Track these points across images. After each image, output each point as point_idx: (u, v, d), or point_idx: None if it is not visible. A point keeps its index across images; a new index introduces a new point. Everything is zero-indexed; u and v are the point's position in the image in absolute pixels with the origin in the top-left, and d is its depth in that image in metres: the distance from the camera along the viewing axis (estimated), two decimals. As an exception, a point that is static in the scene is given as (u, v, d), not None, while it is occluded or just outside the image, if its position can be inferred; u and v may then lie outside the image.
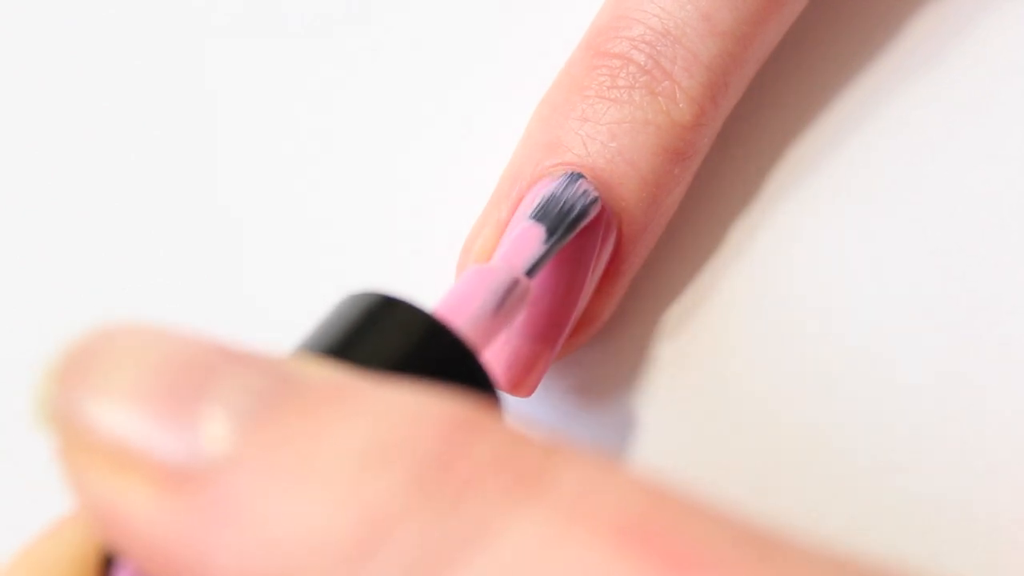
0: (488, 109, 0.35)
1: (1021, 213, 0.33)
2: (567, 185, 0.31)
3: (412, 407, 0.19)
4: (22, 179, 0.35)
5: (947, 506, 0.32)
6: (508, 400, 0.33)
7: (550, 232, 0.30)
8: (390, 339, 0.24)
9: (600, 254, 0.31)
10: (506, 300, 0.28)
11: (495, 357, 0.31)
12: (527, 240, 0.30)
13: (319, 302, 0.34)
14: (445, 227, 0.34)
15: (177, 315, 0.34)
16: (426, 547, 0.18)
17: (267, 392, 0.20)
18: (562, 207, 0.30)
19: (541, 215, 0.30)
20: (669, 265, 0.34)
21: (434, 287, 0.34)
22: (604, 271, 0.32)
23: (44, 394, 0.21)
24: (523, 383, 0.31)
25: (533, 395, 0.32)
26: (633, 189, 0.31)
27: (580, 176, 0.31)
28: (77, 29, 0.37)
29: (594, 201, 0.31)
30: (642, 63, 0.32)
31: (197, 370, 0.20)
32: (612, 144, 0.31)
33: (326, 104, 0.36)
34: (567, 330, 0.31)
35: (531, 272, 0.29)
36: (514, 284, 0.28)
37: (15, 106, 0.36)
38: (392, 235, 0.34)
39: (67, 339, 0.21)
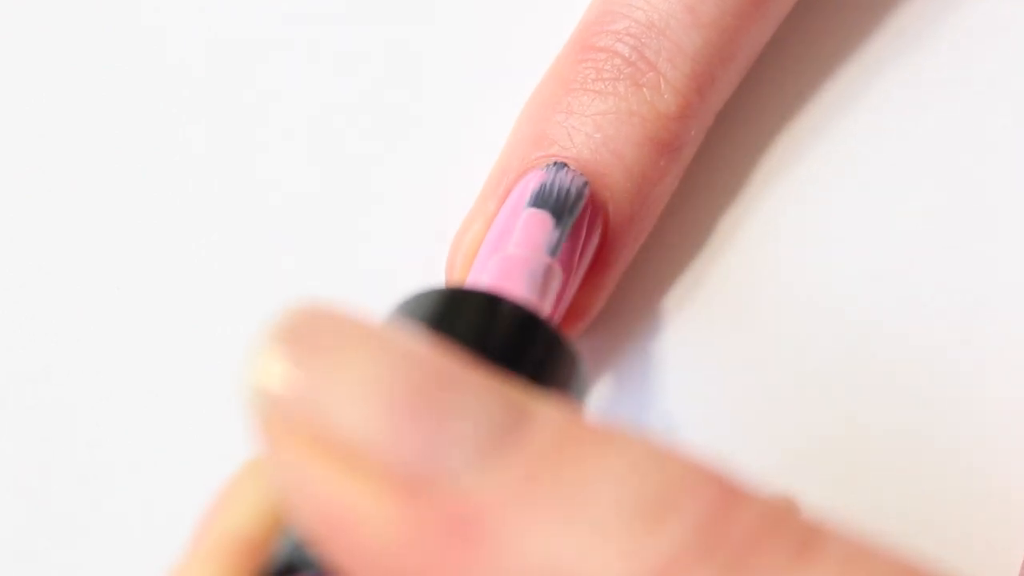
0: (479, 106, 0.36)
1: (1011, 202, 0.33)
2: (556, 173, 0.31)
3: (680, 464, 0.20)
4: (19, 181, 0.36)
5: (940, 491, 0.31)
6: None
7: (557, 217, 0.30)
8: (503, 336, 0.24)
9: (586, 245, 0.31)
10: (547, 284, 0.28)
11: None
12: (538, 226, 0.30)
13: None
14: (435, 222, 0.34)
15: (175, 316, 0.34)
16: None
17: (507, 419, 0.20)
18: (559, 193, 0.31)
19: (541, 203, 0.31)
20: (659, 259, 0.34)
21: (423, 281, 0.34)
22: (592, 263, 0.32)
23: (265, 374, 0.19)
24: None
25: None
26: (618, 179, 0.32)
27: (564, 164, 0.31)
28: (72, 32, 0.37)
29: (585, 184, 0.31)
30: (626, 55, 0.32)
31: (440, 380, 0.19)
32: (597, 135, 0.32)
33: (319, 103, 0.36)
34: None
35: (553, 255, 0.30)
36: (548, 268, 0.29)
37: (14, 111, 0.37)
38: (382, 230, 0.35)
39: (279, 313, 0.19)
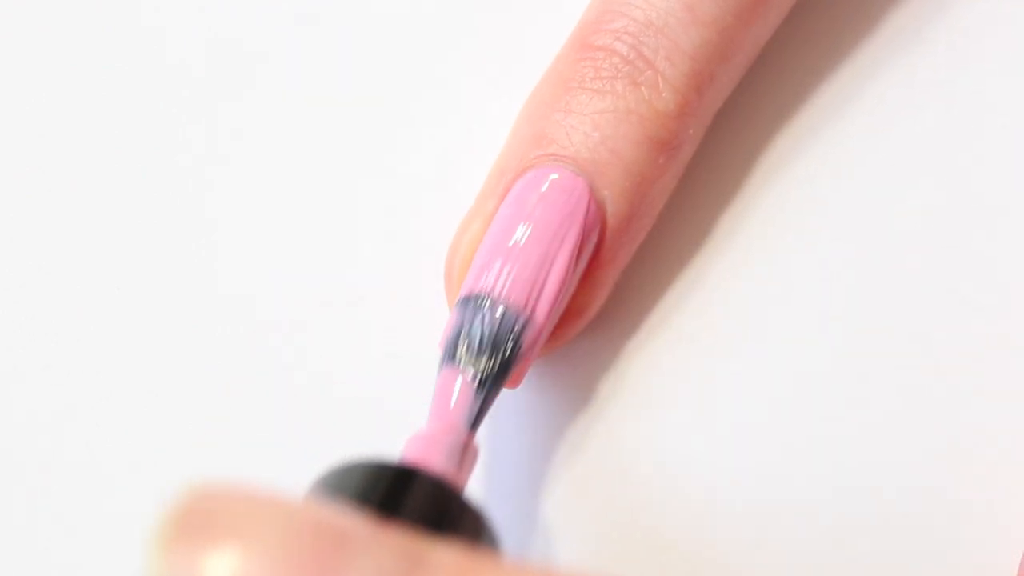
0: (479, 105, 0.36)
1: (1010, 202, 0.33)
2: (475, 312, 0.30)
3: None
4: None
5: (940, 491, 0.31)
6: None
7: (482, 380, 0.29)
8: (415, 507, 0.25)
9: (584, 244, 0.31)
10: (464, 458, 0.28)
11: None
12: (455, 396, 0.29)
13: (308, 300, 0.34)
14: (434, 222, 0.34)
15: (174, 316, 0.34)
16: None
17: (403, 565, 0.20)
18: (481, 345, 0.30)
19: (460, 358, 0.29)
20: (658, 258, 0.34)
21: (422, 285, 0.34)
22: (590, 261, 0.32)
23: (160, 564, 0.20)
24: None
25: (524, 390, 0.32)
26: (616, 178, 0.32)
27: (491, 300, 0.30)
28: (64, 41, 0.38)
29: (523, 327, 0.30)
30: (624, 54, 0.32)
31: (332, 543, 0.20)
32: (595, 134, 0.32)
33: (319, 103, 0.36)
34: (551, 322, 0.31)
35: (474, 426, 0.29)
36: (465, 445, 0.28)
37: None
38: (382, 230, 0.35)
39: (170, 503, 0.20)
